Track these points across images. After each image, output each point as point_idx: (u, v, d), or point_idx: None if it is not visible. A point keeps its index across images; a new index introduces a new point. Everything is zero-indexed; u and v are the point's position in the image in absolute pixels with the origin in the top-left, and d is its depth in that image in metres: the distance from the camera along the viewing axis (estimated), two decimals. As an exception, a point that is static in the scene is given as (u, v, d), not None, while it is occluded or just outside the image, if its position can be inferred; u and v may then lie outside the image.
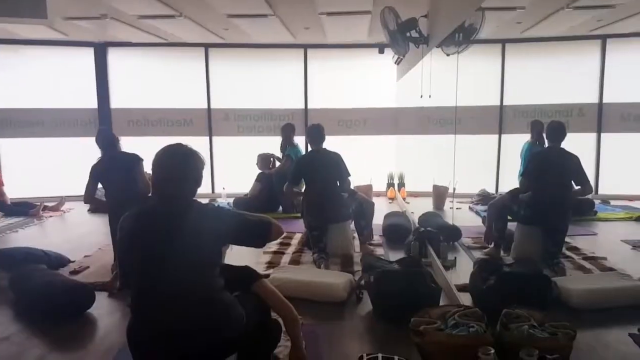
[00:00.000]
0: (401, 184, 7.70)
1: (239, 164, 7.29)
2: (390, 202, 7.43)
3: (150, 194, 4.04)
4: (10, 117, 7.58)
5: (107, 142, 4.16)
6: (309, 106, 7.98)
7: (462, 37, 4.14)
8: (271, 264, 4.14)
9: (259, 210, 5.89)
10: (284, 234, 2.28)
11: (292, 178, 4.56)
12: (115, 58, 7.78)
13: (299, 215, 5.12)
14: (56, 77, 7.63)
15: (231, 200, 6.67)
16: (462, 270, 3.84)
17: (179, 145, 1.99)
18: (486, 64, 7.30)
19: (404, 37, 4.91)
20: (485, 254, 4.19)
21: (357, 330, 2.96)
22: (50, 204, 6.76)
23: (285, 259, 4.35)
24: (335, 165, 4.39)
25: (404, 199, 7.29)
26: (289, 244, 4.81)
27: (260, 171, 6.52)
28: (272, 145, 6.85)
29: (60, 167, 7.54)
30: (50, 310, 3.12)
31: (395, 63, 6.64)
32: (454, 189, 5.07)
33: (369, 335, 2.92)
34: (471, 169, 6.30)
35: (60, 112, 7.71)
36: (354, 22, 6.17)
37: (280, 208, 6.37)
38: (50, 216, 6.52)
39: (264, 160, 6.53)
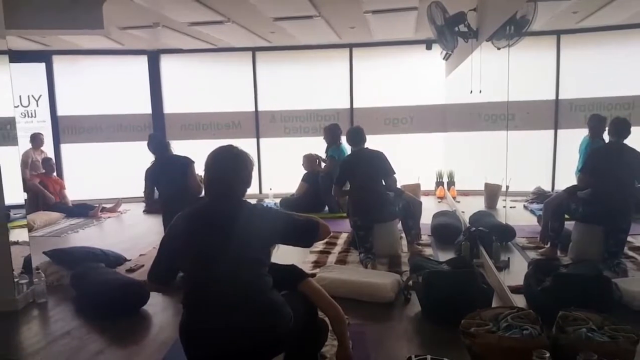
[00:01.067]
0: (451, 183, 7.51)
1: (286, 165, 7.36)
2: (439, 201, 7.27)
3: (201, 195, 4.16)
4: (72, 124, 8.03)
5: (160, 147, 4.31)
6: (355, 105, 7.94)
7: (514, 29, 3.98)
8: (317, 264, 4.15)
9: (305, 210, 5.93)
10: (331, 234, 2.27)
11: (338, 179, 4.56)
12: (167, 64, 8.07)
13: (345, 215, 5.11)
14: (113, 84, 8.00)
15: (278, 200, 6.75)
16: (516, 271, 3.68)
17: (230, 147, 2.04)
18: (540, 56, 6.98)
19: (452, 32, 4.79)
20: (540, 254, 4.01)
21: (405, 331, 2.91)
22: (108, 206, 7.10)
23: (332, 258, 4.34)
24: (379, 164, 4.35)
25: (453, 197, 7.11)
26: (335, 244, 4.80)
27: (306, 171, 6.55)
28: (318, 145, 6.87)
29: (117, 170, 7.91)
30: (108, 307, 3.26)
31: (443, 59, 6.49)
32: (507, 187, 4.88)
33: (417, 336, 2.86)
34: (525, 166, 6.04)
35: (117, 117, 8.07)
36: (400, 19, 6.09)
37: (327, 208, 6.38)
38: (108, 217, 6.85)
39: (310, 160, 6.56)
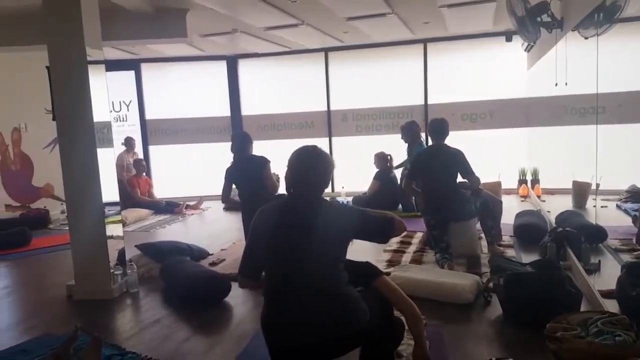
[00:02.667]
0: (535, 181, 7.11)
1: (358, 163, 7.37)
2: (522, 200, 6.92)
3: (276, 193, 4.29)
4: (159, 127, 8.59)
5: (238, 147, 4.46)
6: (429, 102, 7.77)
7: (603, 17, 3.69)
8: (391, 263, 4.12)
9: (378, 208, 5.89)
10: (406, 231, 2.25)
11: (410, 173, 4.44)
12: (244, 68, 8.38)
13: (419, 214, 5.02)
14: (195, 89, 8.47)
15: (350, 198, 6.78)
16: (608, 274, 3.42)
17: (313, 147, 2.12)
18: (633, 44, 6.43)
19: (534, 23, 4.54)
20: (636, 257, 3.70)
21: (485, 333, 2.81)
22: (191, 203, 7.51)
23: (406, 257, 4.29)
24: (455, 162, 4.15)
25: (538, 196, 6.73)
26: (409, 243, 4.73)
27: (378, 169, 6.52)
28: (391, 143, 6.82)
29: (199, 170, 8.35)
30: (193, 298, 3.47)
31: (525, 51, 6.16)
32: (598, 185, 4.54)
33: (498, 339, 2.75)
34: (618, 162, 5.58)
35: (199, 120, 8.52)
36: (477, 12, 5.87)
37: (400, 206, 6.30)
38: (192, 214, 7.24)
39: (381, 158, 6.52)
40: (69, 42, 3.53)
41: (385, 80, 7.88)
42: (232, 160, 4.50)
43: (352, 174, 7.66)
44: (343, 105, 8.08)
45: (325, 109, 8.15)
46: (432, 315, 2.94)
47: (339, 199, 7.30)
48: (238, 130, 4.89)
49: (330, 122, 8.15)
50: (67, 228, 5.77)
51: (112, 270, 3.76)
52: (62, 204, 7.35)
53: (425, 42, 7.60)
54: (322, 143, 8.00)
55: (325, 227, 1.96)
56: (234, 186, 4.49)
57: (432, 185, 4.24)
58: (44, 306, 3.67)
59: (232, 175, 4.39)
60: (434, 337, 2.63)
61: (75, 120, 3.62)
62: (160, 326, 3.15)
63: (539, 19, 4.50)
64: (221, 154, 8.30)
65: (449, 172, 4.18)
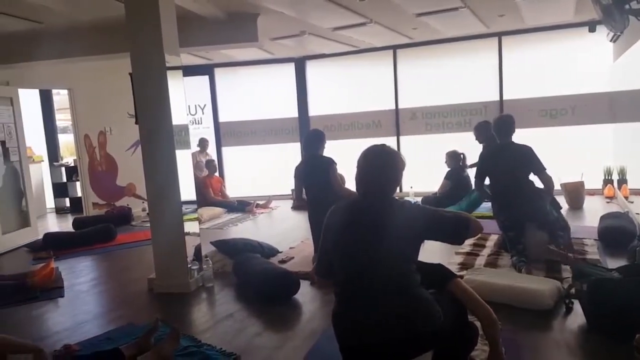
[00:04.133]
0: (622, 180, 6.58)
1: (427, 162, 7.21)
2: (607, 202, 6.42)
3: (342, 194, 4.26)
4: (231, 129, 8.91)
5: (310, 144, 4.46)
6: (505, 97, 7.43)
7: None
8: (464, 265, 3.98)
9: (447, 208, 5.74)
10: (482, 232, 2.16)
11: (478, 173, 4.24)
12: (312, 69, 8.48)
13: (492, 215, 4.80)
14: (264, 91, 8.70)
15: (419, 199, 6.64)
16: None
17: (381, 145, 2.09)
18: None
19: (622, 10, 4.18)
20: None
21: (565, 343, 2.64)
22: (260, 202, 7.71)
23: (480, 261, 4.12)
24: (524, 159, 3.91)
25: (626, 197, 6.21)
26: (483, 246, 4.55)
27: (449, 169, 6.34)
28: (462, 141, 6.60)
29: (268, 170, 8.57)
30: (264, 294, 3.57)
31: (610, 41, 5.73)
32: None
33: (580, 350, 2.57)
34: None
35: (268, 122, 8.73)
36: (557, 2, 5.54)
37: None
38: (261, 212, 7.44)
39: (453, 157, 6.32)
40: (149, 49, 3.75)
41: (456, 76, 7.64)
42: (302, 159, 4.56)
43: (421, 173, 7.52)
44: (412, 103, 7.93)
45: (393, 107, 8.04)
46: (507, 321, 2.80)
47: (407, 199, 7.19)
48: (313, 129, 4.86)
49: (399, 120, 8.03)
50: (148, 225, 6.13)
51: (189, 265, 3.94)
52: (143, 202, 7.84)
53: (499, 35, 7.28)
54: (389, 142, 7.84)
55: (396, 227, 1.94)
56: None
57: (501, 185, 4.04)
58: (127, 298, 3.93)
59: (300, 173, 4.45)
60: (510, 344, 2.50)
61: (155, 124, 3.84)
62: (234, 320, 3.26)
63: (627, 6, 4.15)
64: (289, 154, 8.51)
65: (518, 170, 3.94)
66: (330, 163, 4.33)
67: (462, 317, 2.09)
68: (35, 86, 7.72)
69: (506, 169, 3.97)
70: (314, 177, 4.34)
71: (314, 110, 8.54)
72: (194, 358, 2.66)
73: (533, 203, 3.90)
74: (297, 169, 4.48)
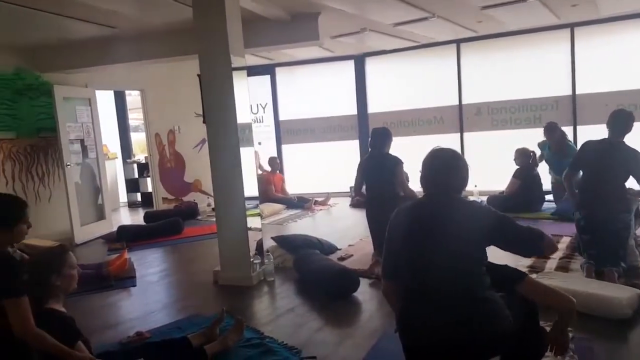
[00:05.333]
0: None
1: (493, 160, 6.95)
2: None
3: (406, 194, 4.19)
4: (290, 127, 9.04)
5: (378, 142, 4.38)
6: (578, 91, 7.00)
7: None
8: (533, 269, 3.79)
9: (516, 209, 5.53)
10: (555, 251, 2.06)
11: (572, 165, 3.90)
12: (371, 66, 8.41)
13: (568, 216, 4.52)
14: (323, 89, 8.74)
15: (485, 198, 6.41)
16: None
17: (448, 150, 2.08)
18: None
19: None
20: None
21: (647, 354, 2.46)
22: (319, 199, 7.77)
23: (551, 264, 3.92)
24: (625, 162, 3.55)
25: None
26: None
27: (518, 167, 6.06)
28: (531, 137, 6.30)
29: (326, 167, 8.62)
30: (324, 290, 3.60)
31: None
32: None
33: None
34: None
35: (327, 120, 8.77)
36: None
37: (542, 207, 5.79)
38: (320, 209, 7.50)
39: (523, 154, 6.03)
40: (216, 51, 3.89)
41: (524, 70, 7.28)
42: (368, 154, 4.47)
43: (486, 171, 7.26)
44: (477, 98, 7.66)
45: (457, 103, 7.80)
46: (582, 329, 2.65)
47: (471, 198, 6.97)
48: (380, 127, 4.79)
49: (462, 116, 7.79)
50: (213, 219, 6.34)
51: (251, 259, 4.06)
52: (208, 197, 8.15)
53: (572, 26, 6.87)
54: (452, 139, 7.76)
55: (463, 228, 1.90)
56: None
57: (589, 182, 3.72)
58: (194, 289, 4.11)
59: (364, 168, 4.41)
60: (584, 352, 2.38)
61: (222, 123, 3.97)
62: (294, 315, 3.32)
63: None
64: (348, 152, 8.51)
65: (617, 173, 3.59)
66: (397, 162, 4.25)
67: (532, 322, 2.01)
68: (110, 88, 8.22)
69: (606, 168, 3.62)
70: (378, 174, 4.28)
71: (373, 107, 8.47)
72: (257, 350, 2.74)
73: (618, 212, 3.58)
74: (362, 163, 4.47)
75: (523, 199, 5.80)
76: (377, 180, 4.29)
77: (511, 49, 7.37)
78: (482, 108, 7.63)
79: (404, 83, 8.19)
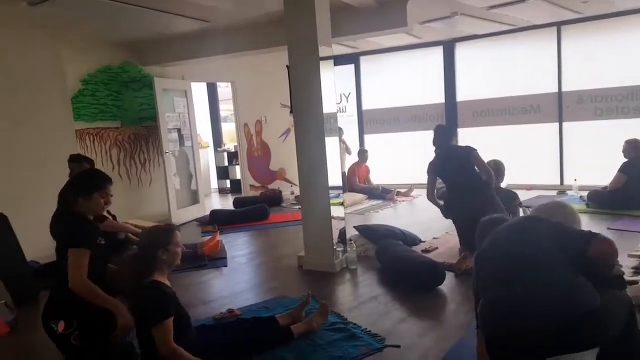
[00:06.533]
0: None
1: (595, 152, 6.40)
2: None
3: (493, 181, 4.05)
4: (374, 117, 8.98)
5: (442, 139, 4.31)
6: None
7: None
8: (638, 270, 3.47)
9: (619, 206, 5.09)
10: (611, 252, 1.89)
11: None
12: (461, 52, 8.08)
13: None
14: (408, 77, 8.55)
15: (584, 193, 5.95)
16: None
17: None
18: None
19: None
20: None
21: None
22: (402, 190, 7.65)
23: (660, 265, 3.56)
24: None
25: None
26: (664, 248, 3.92)
27: (626, 159, 5.51)
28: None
29: (410, 158, 8.47)
30: (408, 281, 3.56)
31: None
32: None
33: None
34: None
35: (412, 108, 8.58)
36: None
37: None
38: (402, 200, 7.39)
39: (634, 147, 5.43)
40: (305, 41, 3.96)
41: (634, 55, 6.60)
42: (436, 155, 4.35)
43: (587, 164, 6.73)
44: (578, 85, 7.06)
45: (556, 90, 7.26)
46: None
47: (569, 192, 6.51)
48: (439, 124, 4.73)
49: (562, 105, 7.24)
50: (296, 207, 6.51)
51: (334, 247, 4.12)
52: (292, 186, 8.38)
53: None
54: (550, 129, 7.26)
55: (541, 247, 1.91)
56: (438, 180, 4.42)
57: None
58: (279, 272, 4.25)
59: (439, 169, 4.30)
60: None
61: (308, 112, 4.05)
62: (377, 303, 3.33)
63: None
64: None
65: None
66: (471, 149, 4.17)
67: (632, 318, 1.84)
68: (204, 80, 8.69)
69: None
70: (457, 169, 4.18)
71: (462, 95, 8.15)
72: (341, 334, 2.79)
73: None
74: (434, 164, 4.32)
75: (628, 194, 5.29)
76: (458, 175, 4.17)
77: (619, 31, 6.70)
78: (584, 96, 7.02)
79: (497, 69, 7.74)
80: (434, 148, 4.38)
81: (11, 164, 4.95)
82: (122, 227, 4.22)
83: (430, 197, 4.36)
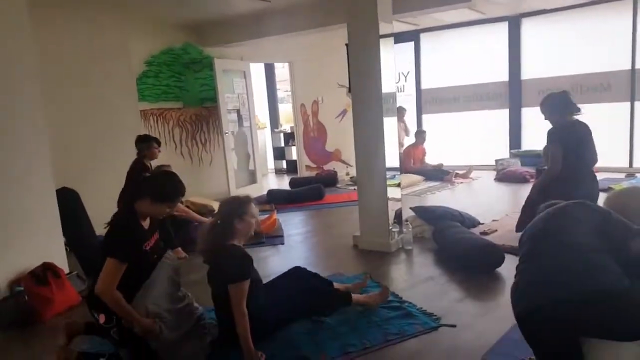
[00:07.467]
0: None
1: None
2: None
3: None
4: (434, 96, 8.77)
5: (566, 107, 3.59)
6: None
7: None
8: None
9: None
10: None
11: None
12: (528, 29, 7.68)
13: None
14: (470, 55, 8.26)
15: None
16: None
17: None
18: None
19: None
20: None
21: None
22: (460, 172, 7.48)
23: None
24: None
25: None
26: None
27: None
28: None
29: (470, 139, 8.23)
30: (465, 262, 3.52)
31: None
32: None
33: None
34: None
35: (473, 87, 8.31)
36: None
37: None
38: (461, 182, 7.22)
39: None
40: (365, 18, 3.91)
41: None
42: (566, 122, 3.59)
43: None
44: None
45: (629, 67, 6.78)
46: None
47: (638, 175, 6.11)
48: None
49: (634, 83, 6.75)
50: (351, 187, 6.53)
51: (390, 227, 4.13)
52: (347, 167, 8.40)
53: None
54: (621, 108, 6.81)
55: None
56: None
57: None
58: (335, 250, 4.32)
59: (575, 141, 3.55)
60: None
61: (367, 92, 4.02)
62: (434, 283, 3.32)
63: None
64: (494, 122, 8.01)
65: None
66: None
67: None
68: (262, 60, 8.81)
69: None
70: (590, 144, 3.59)
71: (527, 73, 7.77)
72: (397, 312, 2.81)
73: None
74: (563, 135, 3.52)
75: None
76: (592, 152, 3.60)
77: None
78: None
79: (566, 45, 7.33)
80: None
81: (81, 142, 5.27)
82: (190, 214, 4.48)
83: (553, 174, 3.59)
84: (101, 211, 2.98)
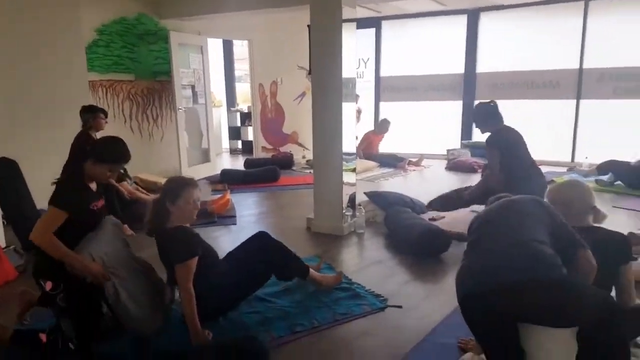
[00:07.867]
0: None
1: (608, 132, 6.32)
2: None
3: None
4: (391, 84, 8.85)
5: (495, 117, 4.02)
6: None
7: None
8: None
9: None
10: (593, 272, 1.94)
11: None
12: (485, 23, 7.85)
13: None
14: (430, 45, 8.37)
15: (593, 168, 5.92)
16: None
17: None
18: None
19: None
20: None
21: None
22: (413, 160, 7.63)
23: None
24: None
25: None
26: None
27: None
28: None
29: (423, 128, 8.40)
30: (413, 246, 3.62)
31: None
32: None
33: None
34: None
35: (430, 78, 8.44)
36: None
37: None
38: (413, 170, 7.37)
39: None
40: (328, 1, 3.87)
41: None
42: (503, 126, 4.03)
43: (600, 143, 6.66)
44: (601, 63, 6.90)
45: (577, 66, 7.11)
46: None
47: (578, 169, 6.44)
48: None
49: (581, 82, 7.09)
50: (307, 171, 6.52)
51: (344, 211, 4.18)
52: (304, 150, 8.38)
53: None
54: (566, 106, 7.15)
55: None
56: None
57: None
58: (289, 232, 4.32)
59: (512, 144, 4.01)
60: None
61: (327, 76, 4.00)
62: (383, 266, 3.40)
63: None
64: (448, 112, 8.20)
65: None
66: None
67: (610, 299, 1.85)
68: (221, 36, 8.54)
69: None
70: (526, 150, 4.00)
71: (482, 66, 7.98)
72: (346, 293, 2.87)
73: None
74: (501, 139, 3.93)
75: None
76: (520, 155, 3.97)
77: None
78: (606, 74, 6.88)
79: (520, 42, 7.53)
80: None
81: (25, 110, 4.95)
82: (136, 194, 4.35)
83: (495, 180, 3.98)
84: (43, 184, 2.83)
